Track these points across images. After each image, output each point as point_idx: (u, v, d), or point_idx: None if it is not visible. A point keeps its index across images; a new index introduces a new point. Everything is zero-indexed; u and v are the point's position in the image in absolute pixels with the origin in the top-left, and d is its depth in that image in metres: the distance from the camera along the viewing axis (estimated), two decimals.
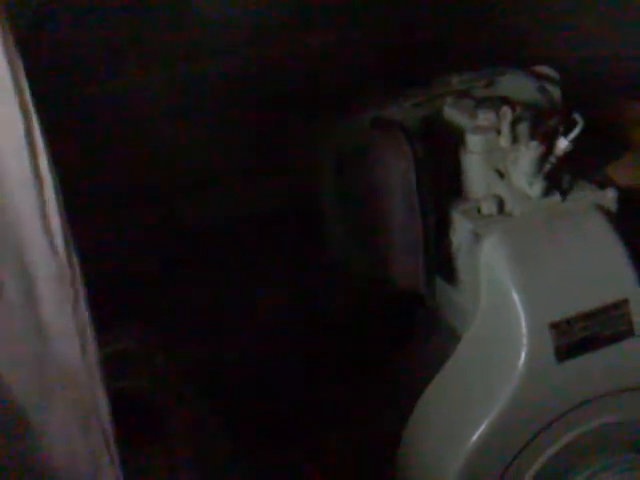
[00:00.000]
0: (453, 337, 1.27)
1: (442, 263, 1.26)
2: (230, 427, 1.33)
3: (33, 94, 0.89)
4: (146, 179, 1.45)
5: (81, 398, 0.95)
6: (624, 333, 1.20)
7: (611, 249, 1.21)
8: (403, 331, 1.38)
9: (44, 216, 0.91)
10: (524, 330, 1.17)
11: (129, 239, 1.44)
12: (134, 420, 1.13)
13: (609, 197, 1.24)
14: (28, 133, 0.89)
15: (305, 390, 1.43)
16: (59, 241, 0.92)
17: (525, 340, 1.17)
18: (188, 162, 1.47)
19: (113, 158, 1.42)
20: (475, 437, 1.18)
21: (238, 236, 1.46)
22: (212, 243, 1.46)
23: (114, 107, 1.44)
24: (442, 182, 1.26)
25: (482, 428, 1.18)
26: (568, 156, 1.22)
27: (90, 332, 0.94)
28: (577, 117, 1.20)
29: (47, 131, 0.91)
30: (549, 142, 1.21)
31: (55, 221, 0.91)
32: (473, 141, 1.24)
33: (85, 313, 0.94)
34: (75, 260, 0.93)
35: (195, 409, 1.27)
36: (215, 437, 1.28)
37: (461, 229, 1.23)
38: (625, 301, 1.20)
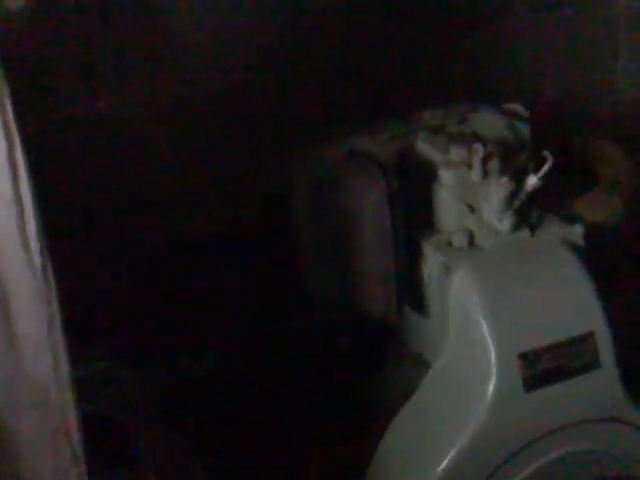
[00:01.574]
0: (422, 367, 1.29)
1: (413, 293, 1.29)
2: (199, 451, 1.34)
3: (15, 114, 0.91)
4: (124, 198, 1.47)
5: (51, 417, 0.96)
6: (591, 365, 1.23)
7: (578, 283, 1.24)
8: (372, 360, 1.39)
9: (23, 236, 0.92)
10: (493, 360, 1.19)
11: (103, 261, 1.45)
12: (102, 443, 1.14)
13: (577, 232, 1.27)
14: (10, 153, 0.90)
15: (272, 417, 1.44)
16: (37, 261, 0.93)
17: (494, 370, 1.19)
18: (166, 180, 1.49)
19: (92, 178, 1.44)
20: (442, 467, 1.19)
21: (209, 256, 1.48)
22: (182, 263, 1.47)
23: (92, 128, 1.46)
24: (414, 215, 1.29)
25: (450, 457, 1.19)
26: (537, 192, 1.25)
27: (63, 352, 0.95)
28: (546, 154, 1.23)
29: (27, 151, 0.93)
30: (519, 178, 1.24)
31: (34, 241, 0.92)
32: (445, 176, 1.27)
33: (59, 333, 0.95)
34: (52, 280, 0.94)
35: (164, 433, 1.28)
36: (184, 462, 1.28)
37: (432, 261, 1.26)
38: (592, 334, 1.22)
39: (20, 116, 0.91)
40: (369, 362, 1.41)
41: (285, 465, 1.42)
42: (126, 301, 1.49)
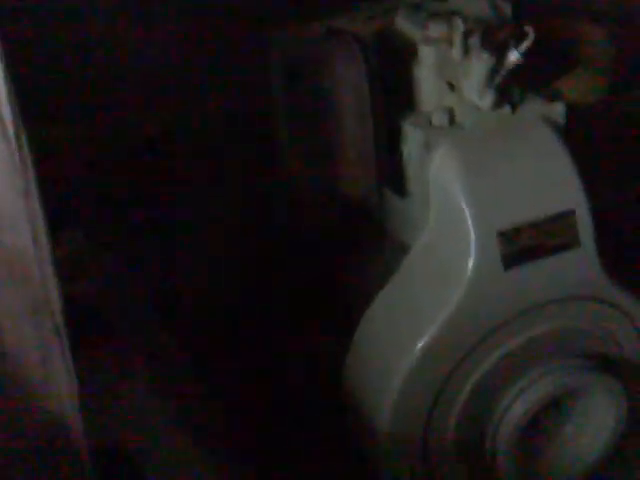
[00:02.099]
0: (402, 250, 1.29)
1: (392, 174, 1.27)
2: (181, 338, 1.34)
3: None
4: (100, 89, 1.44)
5: (32, 291, 0.95)
6: (570, 243, 1.22)
7: (559, 161, 1.23)
8: (352, 246, 1.39)
9: None
10: (472, 238, 1.18)
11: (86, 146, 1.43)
12: (84, 322, 1.14)
13: (557, 110, 1.25)
14: None
15: (255, 303, 1.44)
16: (10, 129, 0.90)
17: (473, 247, 1.18)
18: (140, 73, 1.46)
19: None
20: (421, 343, 1.20)
21: (188, 152, 1.46)
22: (164, 155, 1.46)
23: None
24: (394, 94, 1.27)
25: (429, 334, 1.20)
26: (518, 69, 1.23)
27: (42, 224, 0.93)
28: (528, 29, 1.20)
29: None
30: (500, 55, 1.22)
31: (5, 109, 0.90)
32: (425, 52, 1.25)
33: (37, 204, 0.93)
34: (26, 149, 0.91)
35: (146, 317, 1.28)
36: (166, 345, 1.29)
37: (412, 140, 1.24)
38: (572, 212, 1.22)
39: None
40: (349, 247, 1.41)
41: (266, 357, 1.42)
42: (106, 195, 1.48)
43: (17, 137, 0.90)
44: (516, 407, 1.26)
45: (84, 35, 1.45)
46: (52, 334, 0.94)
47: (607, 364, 1.29)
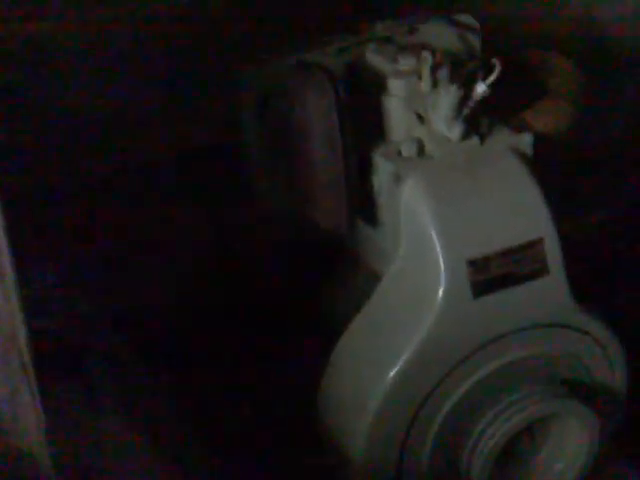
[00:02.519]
0: (374, 279, 1.30)
1: (363, 205, 1.29)
2: (150, 368, 1.35)
3: None
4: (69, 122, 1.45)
5: (0, 328, 0.96)
6: (539, 271, 1.24)
7: (527, 190, 1.25)
8: (324, 275, 1.40)
9: None
10: (442, 267, 1.20)
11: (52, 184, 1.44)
12: (54, 358, 1.15)
13: (525, 141, 1.27)
14: None
15: (224, 329, 1.45)
16: None
17: (443, 276, 1.20)
18: (113, 103, 1.47)
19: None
20: (394, 372, 1.21)
21: (159, 176, 1.47)
22: (132, 185, 1.47)
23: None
24: (364, 125, 1.28)
25: (401, 362, 1.21)
26: (486, 101, 1.25)
27: (8, 259, 0.94)
28: (495, 62, 1.23)
29: None
30: (468, 87, 1.24)
31: None
32: (394, 85, 1.26)
33: (3, 239, 0.94)
34: None
35: (116, 348, 1.28)
36: (140, 382, 1.29)
37: (382, 171, 1.26)
38: (540, 240, 1.24)
39: None
40: (321, 278, 1.42)
41: (238, 382, 1.43)
42: (78, 223, 1.49)
43: None
44: (489, 433, 1.27)
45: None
46: (19, 370, 0.95)
47: (578, 390, 1.30)
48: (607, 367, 1.33)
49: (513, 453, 1.33)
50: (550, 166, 1.30)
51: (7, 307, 0.95)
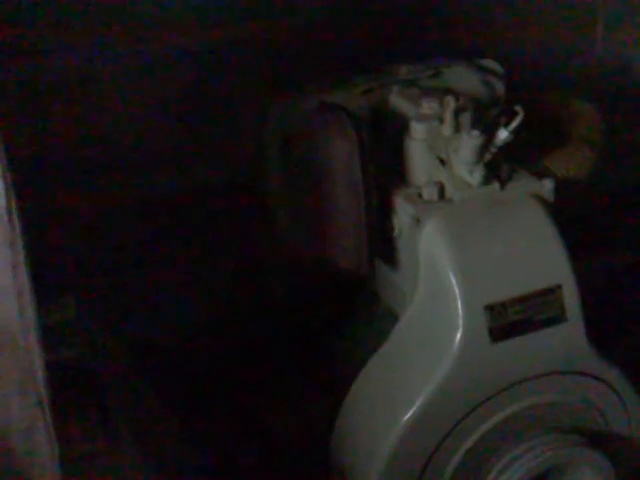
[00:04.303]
0: (391, 320, 1.30)
1: (383, 246, 1.29)
2: (169, 405, 1.35)
3: None
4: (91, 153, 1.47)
5: (17, 361, 0.96)
6: (557, 318, 1.24)
7: (547, 236, 1.25)
8: (343, 314, 1.40)
9: None
10: (460, 311, 1.20)
11: (74, 211, 1.46)
12: (72, 389, 1.15)
13: (546, 187, 1.27)
14: None
15: (244, 372, 1.45)
16: (2, 204, 0.93)
17: (461, 321, 1.20)
18: (133, 137, 1.49)
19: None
20: (409, 415, 1.21)
21: (179, 214, 1.48)
22: (152, 222, 1.48)
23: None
24: (386, 167, 1.29)
25: (416, 406, 1.21)
26: (508, 146, 1.26)
27: (29, 295, 0.95)
28: (518, 109, 1.23)
29: None
30: (490, 132, 1.25)
31: None
32: (417, 129, 1.27)
33: (25, 277, 0.95)
34: (17, 223, 0.94)
35: (134, 384, 1.29)
36: (155, 413, 1.30)
37: (402, 213, 1.26)
38: (559, 287, 1.24)
39: None
40: (340, 317, 1.42)
41: (256, 421, 1.43)
42: (94, 260, 1.50)
43: (9, 213, 0.92)
44: None
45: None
46: (36, 404, 0.96)
47: (594, 438, 1.29)
48: (624, 415, 1.32)
49: None
50: (571, 211, 1.30)
51: (26, 342, 0.96)
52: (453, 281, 1.21)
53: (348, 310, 1.41)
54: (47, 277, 1.01)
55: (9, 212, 0.93)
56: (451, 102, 1.26)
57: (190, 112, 1.51)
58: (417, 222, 1.24)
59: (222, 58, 1.53)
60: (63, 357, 1.21)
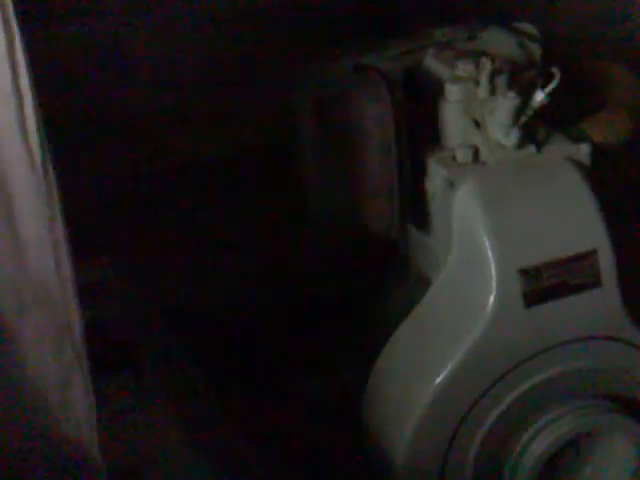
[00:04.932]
0: (425, 284, 1.30)
1: (416, 210, 1.29)
2: (201, 366, 1.36)
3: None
4: (126, 117, 1.47)
5: (54, 315, 0.97)
6: (591, 283, 1.23)
7: (582, 201, 1.23)
8: (376, 278, 1.40)
9: (24, 132, 0.92)
10: (493, 275, 1.19)
11: (110, 173, 1.46)
12: (105, 348, 1.16)
13: (583, 151, 1.26)
14: (10, 47, 0.90)
15: (278, 337, 1.45)
16: (37, 157, 0.93)
17: (494, 284, 1.19)
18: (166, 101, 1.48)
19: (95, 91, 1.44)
20: (440, 378, 1.20)
21: (213, 178, 1.48)
22: (187, 184, 1.47)
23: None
24: (420, 130, 1.28)
25: (447, 370, 1.20)
26: (545, 110, 1.24)
27: (65, 249, 0.95)
28: (555, 71, 1.22)
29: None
30: (526, 94, 1.23)
31: (34, 137, 0.93)
32: (452, 91, 1.26)
33: (61, 230, 0.95)
34: (52, 177, 0.94)
35: (166, 344, 1.29)
36: (186, 373, 1.30)
37: (436, 176, 1.25)
38: (594, 252, 1.22)
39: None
40: (372, 281, 1.42)
41: (286, 387, 1.43)
42: (134, 219, 1.50)
43: (44, 166, 0.92)
44: (534, 446, 1.25)
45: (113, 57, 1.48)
46: (72, 358, 0.96)
47: (626, 405, 1.28)
48: None
49: (557, 467, 1.31)
50: (608, 177, 1.29)
51: (63, 296, 0.96)
52: (487, 245, 1.19)
53: (381, 275, 1.40)
54: (82, 237, 1.01)
55: (44, 165, 0.93)
56: (487, 64, 1.24)
57: (223, 78, 1.50)
58: (451, 185, 1.23)
59: (256, 23, 1.52)
60: (96, 316, 1.21)
